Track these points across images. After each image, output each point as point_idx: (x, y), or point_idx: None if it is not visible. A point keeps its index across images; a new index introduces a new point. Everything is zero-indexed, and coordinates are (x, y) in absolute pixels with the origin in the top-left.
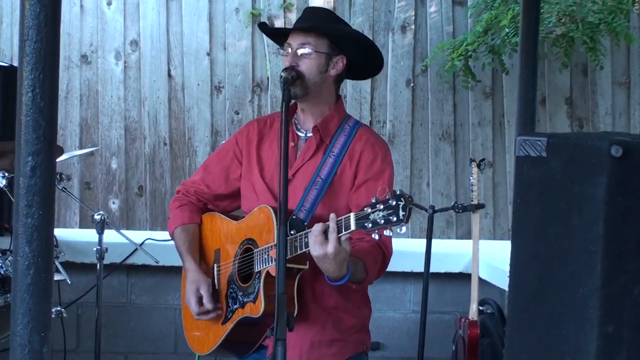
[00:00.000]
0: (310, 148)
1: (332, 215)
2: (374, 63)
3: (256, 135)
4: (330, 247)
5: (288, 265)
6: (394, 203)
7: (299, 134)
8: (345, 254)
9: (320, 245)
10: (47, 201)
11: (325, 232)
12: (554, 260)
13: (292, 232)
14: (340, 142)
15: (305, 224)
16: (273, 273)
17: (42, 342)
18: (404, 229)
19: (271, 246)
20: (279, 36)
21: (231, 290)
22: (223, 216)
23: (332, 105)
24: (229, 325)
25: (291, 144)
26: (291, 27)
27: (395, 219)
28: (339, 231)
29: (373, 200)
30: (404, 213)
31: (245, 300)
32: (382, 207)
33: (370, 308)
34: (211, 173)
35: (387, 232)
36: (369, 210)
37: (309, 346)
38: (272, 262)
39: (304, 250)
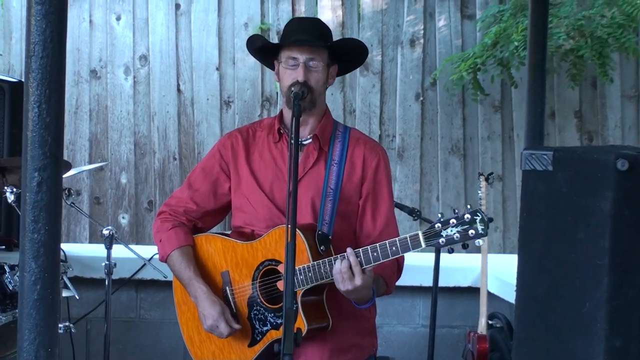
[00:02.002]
0: (311, 156)
1: (349, 250)
2: (358, 63)
3: (242, 148)
4: (358, 280)
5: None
6: (470, 218)
7: (293, 142)
8: (371, 279)
9: (349, 280)
10: (53, 217)
11: (350, 267)
12: (560, 274)
13: (322, 248)
14: (338, 149)
15: (330, 237)
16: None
17: (48, 358)
18: (481, 241)
19: (307, 267)
20: (264, 52)
21: (256, 311)
22: (224, 237)
23: (323, 112)
24: (260, 348)
25: (287, 153)
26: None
27: (473, 233)
28: (373, 260)
29: (440, 216)
30: (482, 227)
31: (279, 321)
32: (455, 222)
33: (376, 310)
34: (198, 190)
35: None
36: (439, 227)
37: (329, 355)
38: (310, 283)
39: (330, 278)
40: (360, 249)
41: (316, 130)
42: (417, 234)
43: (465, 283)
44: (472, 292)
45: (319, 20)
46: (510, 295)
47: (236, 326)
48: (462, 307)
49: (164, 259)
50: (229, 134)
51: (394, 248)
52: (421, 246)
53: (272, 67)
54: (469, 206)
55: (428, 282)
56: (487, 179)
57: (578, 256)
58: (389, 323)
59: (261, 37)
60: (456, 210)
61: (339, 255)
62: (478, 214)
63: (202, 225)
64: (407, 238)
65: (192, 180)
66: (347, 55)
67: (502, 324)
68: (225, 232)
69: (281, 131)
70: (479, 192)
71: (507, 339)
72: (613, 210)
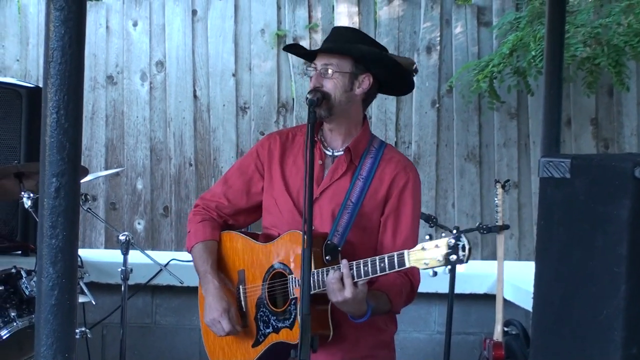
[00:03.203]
0: (339, 168)
1: (344, 261)
2: (402, 79)
3: (279, 149)
4: (348, 292)
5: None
6: (453, 242)
7: (326, 152)
8: (363, 294)
9: (338, 291)
10: (71, 222)
11: (341, 279)
12: (577, 281)
13: (327, 257)
14: (368, 164)
15: (339, 249)
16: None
17: None
18: (463, 267)
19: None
20: (308, 55)
21: (261, 313)
22: (245, 236)
23: (360, 125)
24: (261, 349)
25: (319, 161)
26: (316, 47)
27: (455, 257)
28: (363, 274)
29: (427, 238)
30: (463, 253)
31: (279, 325)
32: (439, 245)
33: (396, 325)
34: (232, 186)
35: (444, 270)
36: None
37: None
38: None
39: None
40: (355, 262)
41: (350, 143)
42: (403, 253)
43: (481, 290)
44: (487, 299)
45: (352, 29)
46: (526, 302)
47: (238, 327)
48: (478, 314)
49: (189, 251)
50: (269, 134)
51: (382, 264)
52: (405, 265)
53: None
54: (454, 231)
55: (444, 288)
56: (503, 186)
57: (595, 263)
58: (404, 330)
59: (295, 47)
60: (443, 234)
61: (335, 266)
62: (461, 239)
63: (233, 223)
64: (394, 256)
65: (228, 177)
66: (374, 63)
67: (518, 331)
68: (253, 232)
69: (315, 138)
70: (496, 199)
71: (523, 346)
72: (631, 218)
